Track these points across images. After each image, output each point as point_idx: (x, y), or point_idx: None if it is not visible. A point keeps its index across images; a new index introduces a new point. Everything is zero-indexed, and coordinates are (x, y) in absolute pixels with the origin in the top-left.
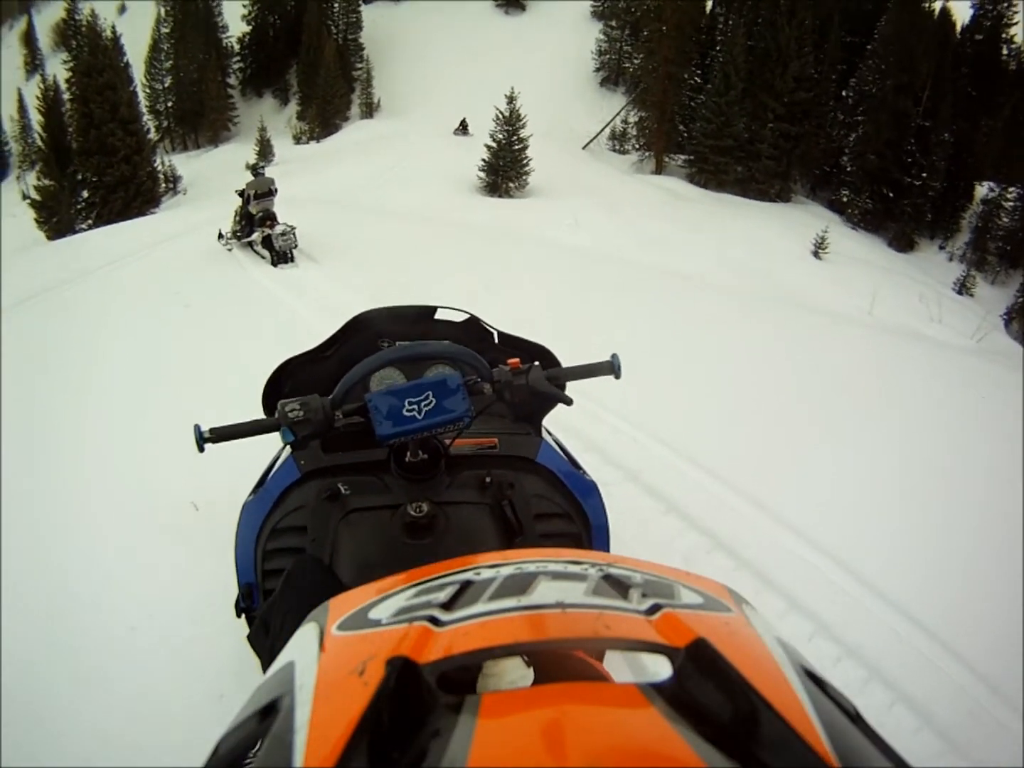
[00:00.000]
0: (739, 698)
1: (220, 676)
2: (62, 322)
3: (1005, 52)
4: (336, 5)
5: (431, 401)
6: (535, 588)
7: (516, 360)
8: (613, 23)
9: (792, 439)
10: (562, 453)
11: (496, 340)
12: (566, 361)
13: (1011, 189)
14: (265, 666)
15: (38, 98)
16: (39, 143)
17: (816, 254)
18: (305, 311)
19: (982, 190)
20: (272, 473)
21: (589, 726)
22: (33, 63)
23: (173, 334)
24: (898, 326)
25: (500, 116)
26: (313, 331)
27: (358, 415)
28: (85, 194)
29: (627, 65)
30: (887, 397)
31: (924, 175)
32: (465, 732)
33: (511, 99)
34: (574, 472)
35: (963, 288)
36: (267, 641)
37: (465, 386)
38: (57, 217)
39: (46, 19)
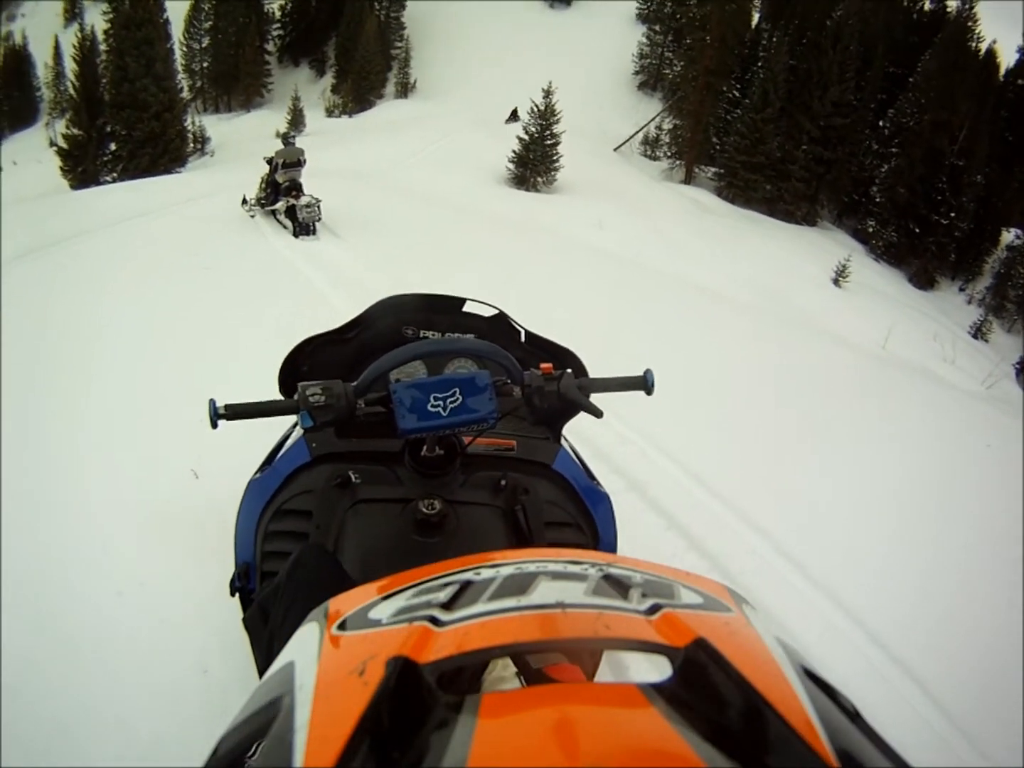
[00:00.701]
0: (739, 698)
1: (205, 650)
2: (74, 274)
3: None
4: None
5: (457, 398)
6: (535, 588)
7: (548, 365)
8: (657, 27)
9: (791, 461)
10: (578, 462)
11: (523, 339)
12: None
13: None
14: (258, 652)
15: (75, 47)
16: (72, 92)
17: (836, 281)
18: (323, 284)
19: (1008, 236)
20: (282, 452)
21: (589, 726)
22: (73, 11)
23: (188, 296)
24: (910, 363)
25: (535, 109)
26: (329, 304)
27: (380, 405)
28: (113, 147)
29: (667, 71)
30: (892, 431)
31: (952, 214)
32: (465, 732)
33: (548, 93)
34: (588, 482)
35: (979, 332)
36: (265, 630)
37: (493, 386)
38: (83, 167)
39: None
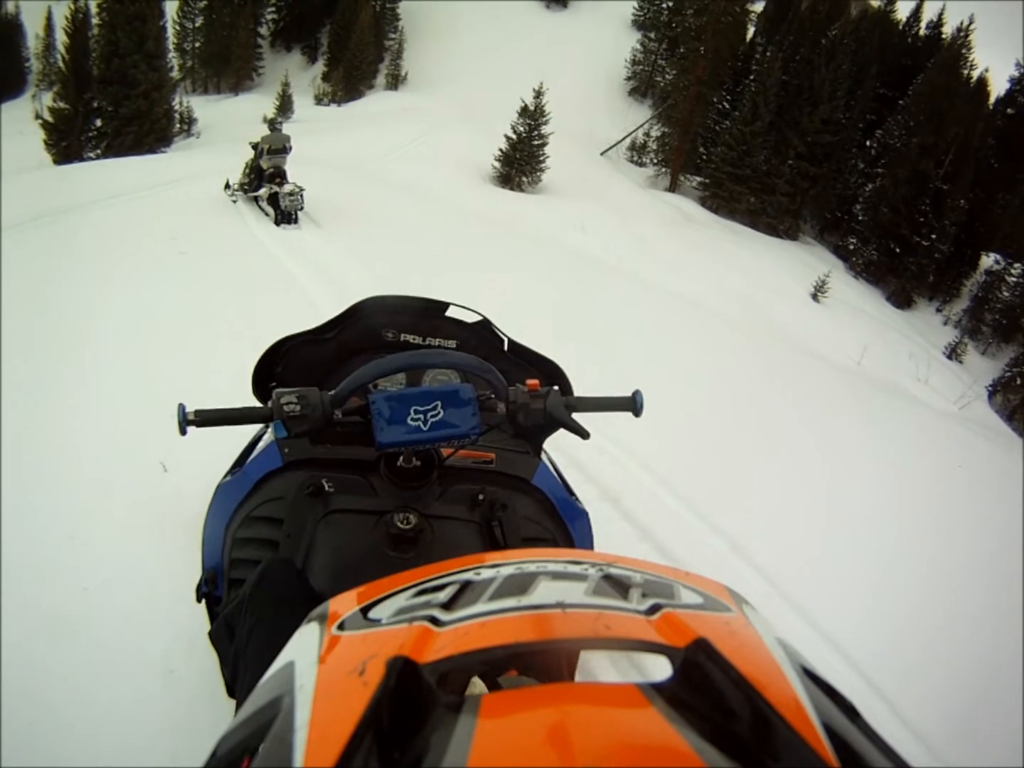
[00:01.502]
0: (739, 698)
1: (171, 650)
2: (46, 253)
3: None
4: None
5: (439, 412)
6: (535, 588)
7: (535, 382)
8: (652, 35)
9: (758, 473)
10: (557, 476)
11: (506, 348)
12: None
13: (1017, 264)
14: (225, 669)
15: (67, 18)
16: (60, 64)
17: (815, 296)
18: (301, 275)
19: (988, 261)
20: (253, 456)
21: (589, 726)
22: None
23: (163, 281)
24: (884, 380)
25: (525, 108)
26: (307, 296)
27: (358, 416)
28: (98, 123)
29: (659, 79)
30: (863, 449)
31: (933, 236)
32: (465, 732)
33: (538, 93)
34: (567, 498)
35: (953, 353)
36: (230, 646)
37: (477, 400)
38: (67, 142)
39: None
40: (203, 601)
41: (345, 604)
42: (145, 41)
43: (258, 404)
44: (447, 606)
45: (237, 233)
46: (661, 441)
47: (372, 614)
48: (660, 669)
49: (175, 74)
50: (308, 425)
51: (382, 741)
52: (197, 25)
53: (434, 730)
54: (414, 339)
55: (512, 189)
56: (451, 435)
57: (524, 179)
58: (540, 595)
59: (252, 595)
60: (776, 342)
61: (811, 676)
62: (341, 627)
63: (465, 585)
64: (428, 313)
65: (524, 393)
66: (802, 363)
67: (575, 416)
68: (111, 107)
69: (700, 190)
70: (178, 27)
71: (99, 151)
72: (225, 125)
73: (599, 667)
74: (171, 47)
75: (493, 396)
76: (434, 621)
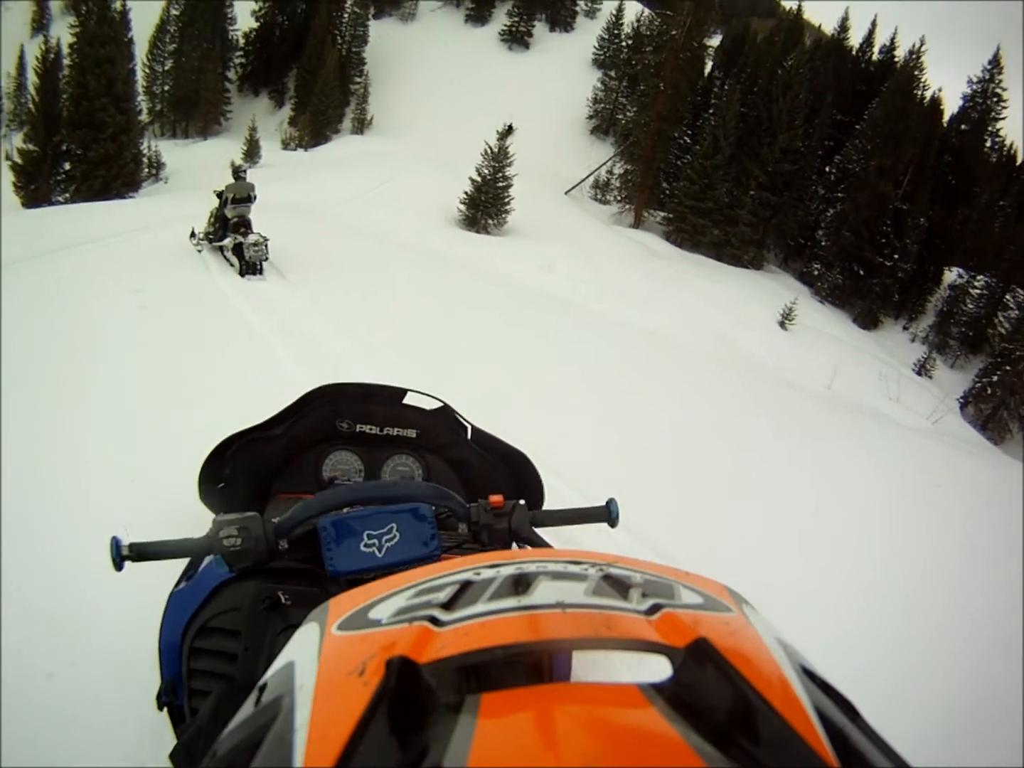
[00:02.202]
0: (739, 698)
1: (140, 745)
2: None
3: (988, 144)
4: (346, 15)
5: (395, 536)
6: (535, 588)
7: (499, 498)
8: (612, 73)
9: (735, 507)
10: None
11: (469, 436)
12: (519, 410)
13: (979, 277)
14: None
15: (38, 59)
16: (31, 105)
17: (783, 324)
18: (266, 331)
19: (951, 275)
20: (205, 563)
21: (589, 726)
22: (41, 21)
23: (123, 340)
24: (856, 402)
25: (489, 151)
26: (271, 354)
27: (307, 542)
28: (67, 166)
29: (620, 116)
30: (837, 475)
31: (896, 256)
32: (465, 732)
33: (502, 135)
34: None
35: (923, 369)
36: None
37: (436, 518)
38: (36, 185)
39: None
40: (163, 710)
41: (345, 604)
42: (114, 83)
43: (206, 514)
44: (447, 606)
45: (201, 286)
46: (644, 509)
47: (372, 614)
48: (660, 669)
49: (144, 117)
50: (251, 560)
51: (382, 741)
52: (166, 68)
53: (434, 730)
54: (371, 429)
55: (478, 231)
56: (409, 560)
57: (490, 221)
58: (540, 595)
59: (209, 724)
60: (745, 372)
61: (811, 676)
62: (341, 627)
63: (465, 585)
64: (385, 400)
65: (487, 512)
66: (773, 392)
67: (544, 530)
68: (80, 150)
69: (664, 225)
70: (147, 70)
71: (68, 194)
72: (193, 170)
73: (599, 667)
74: (140, 90)
75: (454, 514)
76: (434, 621)
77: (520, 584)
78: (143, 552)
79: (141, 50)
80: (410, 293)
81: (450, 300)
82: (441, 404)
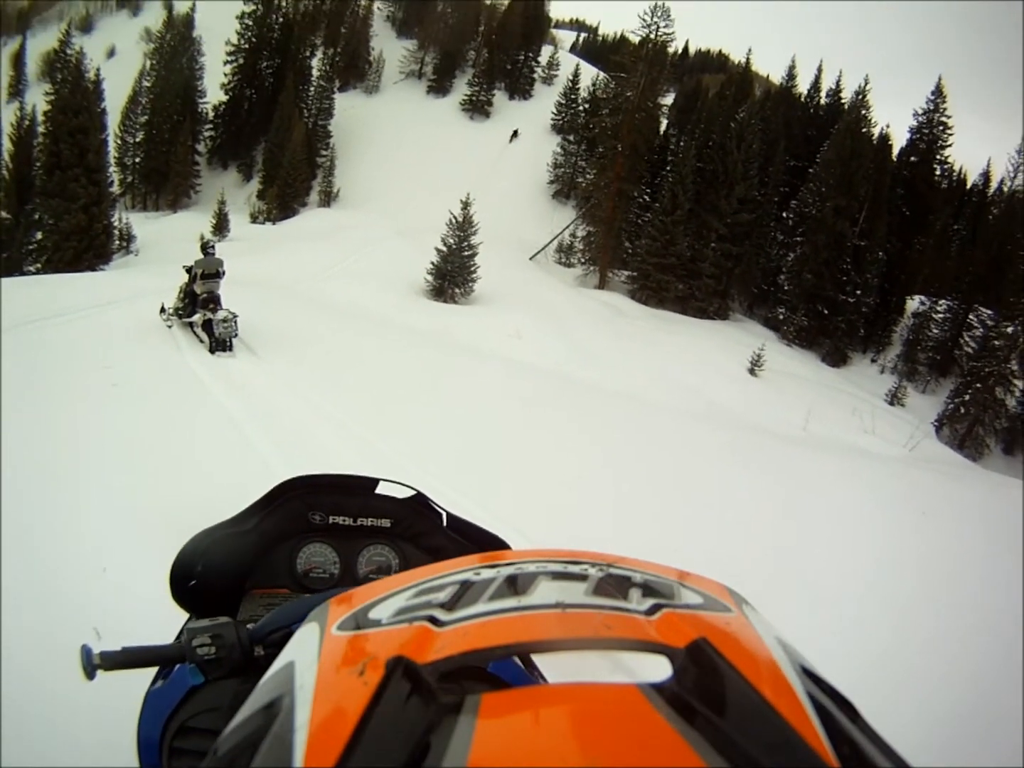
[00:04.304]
0: (739, 698)
1: None
2: None
3: (938, 172)
4: (312, 88)
5: None
6: (535, 588)
7: None
8: (571, 137)
9: (724, 551)
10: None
11: (444, 523)
12: (497, 472)
13: (941, 301)
14: None
15: (12, 125)
16: (4, 172)
17: (752, 371)
18: (236, 410)
19: (913, 304)
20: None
21: (589, 726)
22: (17, 87)
23: (91, 420)
24: (833, 440)
25: (453, 220)
26: (241, 436)
27: (284, 645)
28: (39, 236)
29: (580, 179)
30: (822, 516)
31: (858, 292)
32: (465, 732)
33: (466, 204)
34: (528, 676)
35: (895, 399)
36: None
37: None
38: (7, 254)
39: (40, 44)
40: None
41: (345, 604)
42: (87, 153)
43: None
44: (447, 606)
45: (170, 363)
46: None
47: (372, 614)
48: (660, 669)
49: (115, 188)
50: (226, 668)
51: (382, 741)
52: (138, 140)
53: (434, 730)
54: (344, 521)
55: (446, 301)
56: None
57: (457, 290)
58: (540, 595)
59: None
60: (721, 425)
61: (811, 676)
62: (341, 627)
63: (465, 585)
64: (357, 491)
65: None
66: (750, 440)
67: None
68: (52, 220)
69: (629, 283)
70: (119, 141)
71: (39, 264)
72: (163, 243)
73: (599, 667)
74: (112, 161)
75: None
76: (434, 621)
77: (520, 584)
78: (115, 661)
79: (114, 120)
80: (379, 369)
81: (416, 373)
82: (414, 492)
